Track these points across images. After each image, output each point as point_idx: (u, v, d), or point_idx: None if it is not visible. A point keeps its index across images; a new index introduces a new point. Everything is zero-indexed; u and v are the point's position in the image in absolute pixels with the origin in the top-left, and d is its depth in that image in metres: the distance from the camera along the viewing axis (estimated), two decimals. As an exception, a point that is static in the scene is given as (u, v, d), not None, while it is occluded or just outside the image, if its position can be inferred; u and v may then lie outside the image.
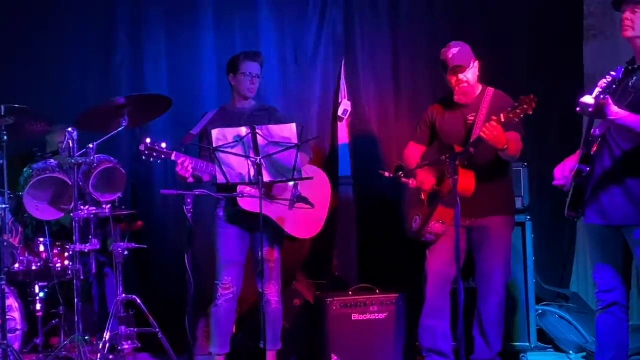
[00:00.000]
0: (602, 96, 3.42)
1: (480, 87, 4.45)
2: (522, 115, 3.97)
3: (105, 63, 5.33)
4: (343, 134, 5.63)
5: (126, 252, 4.49)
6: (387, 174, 4.52)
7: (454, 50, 4.34)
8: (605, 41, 5.74)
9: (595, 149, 3.67)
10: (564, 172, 3.81)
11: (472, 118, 4.37)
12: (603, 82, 3.42)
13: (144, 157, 4.31)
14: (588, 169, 3.67)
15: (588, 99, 3.46)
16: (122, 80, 5.29)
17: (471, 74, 4.36)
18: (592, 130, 3.69)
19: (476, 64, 4.39)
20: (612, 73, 3.42)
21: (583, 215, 3.78)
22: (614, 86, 3.43)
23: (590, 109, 3.46)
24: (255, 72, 4.56)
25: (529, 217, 5.00)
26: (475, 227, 4.41)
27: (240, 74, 4.55)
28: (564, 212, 3.80)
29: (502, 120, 4.01)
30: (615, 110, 3.49)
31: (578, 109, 3.50)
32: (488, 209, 4.37)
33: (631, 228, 3.67)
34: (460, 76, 4.34)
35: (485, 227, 4.39)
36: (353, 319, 4.75)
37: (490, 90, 4.44)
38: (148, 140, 4.28)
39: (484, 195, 4.28)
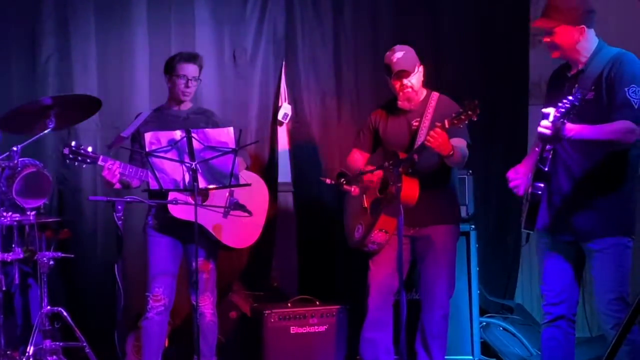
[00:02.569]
0: (561, 121, 3.43)
1: (424, 92, 4.49)
2: (466, 122, 4.03)
3: (29, 60, 5.17)
4: (283, 139, 5.65)
5: (52, 262, 4.44)
6: (328, 181, 4.56)
7: (399, 54, 4.38)
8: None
9: (548, 162, 3.63)
10: (517, 174, 3.81)
11: (417, 123, 4.42)
12: (561, 107, 3.43)
13: (68, 162, 4.29)
14: (543, 184, 3.63)
15: (546, 124, 3.46)
16: (49, 79, 5.16)
17: (415, 79, 4.40)
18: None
19: (421, 68, 4.43)
20: (570, 97, 3.44)
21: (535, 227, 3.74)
22: (572, 115, 3.44)
23: (549, 133, 3.46)
24: (191, 75, 4.53)
25: (473, 227, 5.07)
26: (419, 236, 4.47)
27: (175, 75, 4.53)
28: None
29: (446, 126, 4.06)
30: (570, 127, 3.49)
31: (539, 129, 3.49)
32: (432, 217, 4.43)
33: (592, 236, 3.68)
34: (405, 81, 4.38)
35: (428, 237, 4.45)
36: (292, 331, 4.80)
37: (435, 95, 4.49)
38: (73, 144, 4.27)
39: (428, 204, 4.32)
